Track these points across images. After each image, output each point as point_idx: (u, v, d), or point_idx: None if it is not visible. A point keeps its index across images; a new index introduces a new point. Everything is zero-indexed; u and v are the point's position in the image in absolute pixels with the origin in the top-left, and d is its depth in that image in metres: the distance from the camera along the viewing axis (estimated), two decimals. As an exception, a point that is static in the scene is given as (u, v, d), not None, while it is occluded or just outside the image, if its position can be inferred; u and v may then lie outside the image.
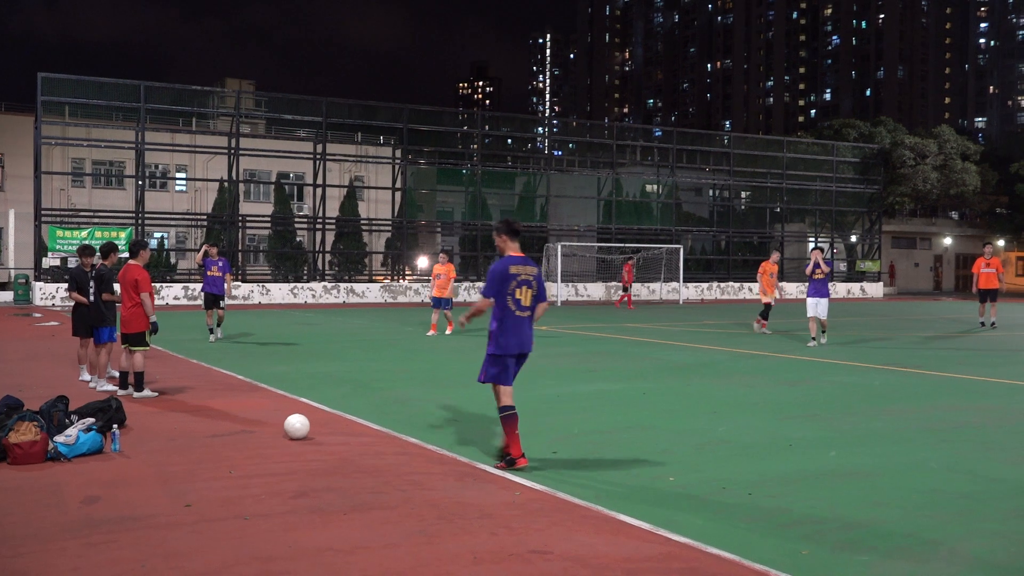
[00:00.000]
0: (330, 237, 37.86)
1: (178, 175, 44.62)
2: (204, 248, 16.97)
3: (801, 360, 14.64)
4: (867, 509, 5.84)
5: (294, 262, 37.21)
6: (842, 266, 48.97)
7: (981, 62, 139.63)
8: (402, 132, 37.67)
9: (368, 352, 15.81)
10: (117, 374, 10.96)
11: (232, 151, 34.70)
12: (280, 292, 33.51)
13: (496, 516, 5.52)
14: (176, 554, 4.78)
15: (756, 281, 42.55)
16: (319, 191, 36.25)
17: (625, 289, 31.93)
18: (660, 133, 58.73)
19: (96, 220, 33.94)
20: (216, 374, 12.32)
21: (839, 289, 45.06)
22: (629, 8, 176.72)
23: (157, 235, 40.81)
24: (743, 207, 48.14)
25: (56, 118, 33.71)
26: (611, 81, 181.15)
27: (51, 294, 29.85)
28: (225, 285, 16.63)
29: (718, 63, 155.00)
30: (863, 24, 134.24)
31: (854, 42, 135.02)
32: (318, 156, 36.03)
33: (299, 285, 34.22)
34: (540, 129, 66.24)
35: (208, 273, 16.59)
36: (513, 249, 7.16)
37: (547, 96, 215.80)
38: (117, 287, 10.66)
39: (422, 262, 40.62)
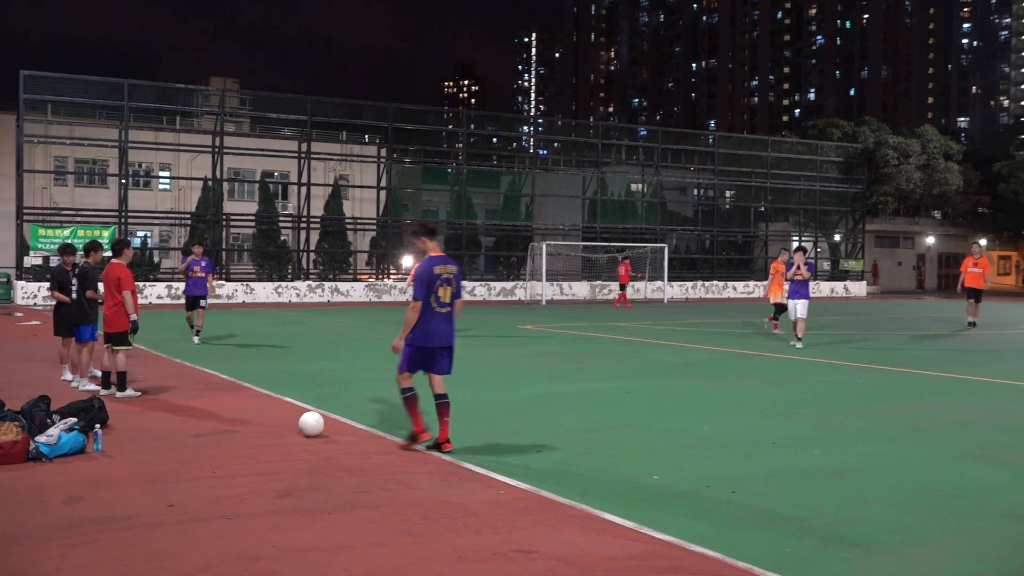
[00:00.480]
0: (315, 236, 37.76)
1: (162, 174, 44.36)
2: (188, 260, 16.75)
3: (787, 359, 14.74)
4: (851, 507, 5.88)
5: (278, 261, 37.11)
6: (826, 265, 49.29)
7: (964, 62, 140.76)
8: (387, 131, 37.67)
9: (352, 351, 15.82)
10: (100, 373, 10.90)
11: (216, 150, 34.57)
12: (264, 291, 33.41)
13: (481, 515, 5.53)
14: (160, 554, 4.76)
15: (741, 280, 43.10)
16: (304, 190, 36.16)
17: (623, 287, 32.09)
18: (645, 132, 58.96)
19: (79, 219, 33.72)
20: (199, 373, 12.27)
21: (822, 288, 45.35)
22: (615, 8, 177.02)
23: (140, 234, 40.55)
24: (727, 206, 48.38)
25: (39, 116, 33.45)
26: (596, 80, 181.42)
27: (33, 293, 29.65)
28: (208, 284, 16.48)
29: (703, 63, 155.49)
30: (847, 24, 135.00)
31: (838, 42, 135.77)
32: (303, 155, 35.93)
33: (283, 284, 34.13)
34: (525, 128, 66.35)
35: (191, 274, 16.36)
36: (433, 249, 7.45)
37: (532, 95, 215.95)
38: (101, 286, 10.59)
39: (407, 261, 40.57)
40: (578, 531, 5.25)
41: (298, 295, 33.84)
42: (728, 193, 48.81)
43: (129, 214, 33.34)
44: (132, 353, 10.46)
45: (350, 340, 17.95)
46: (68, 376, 11.28)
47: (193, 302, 16.42)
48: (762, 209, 46.85)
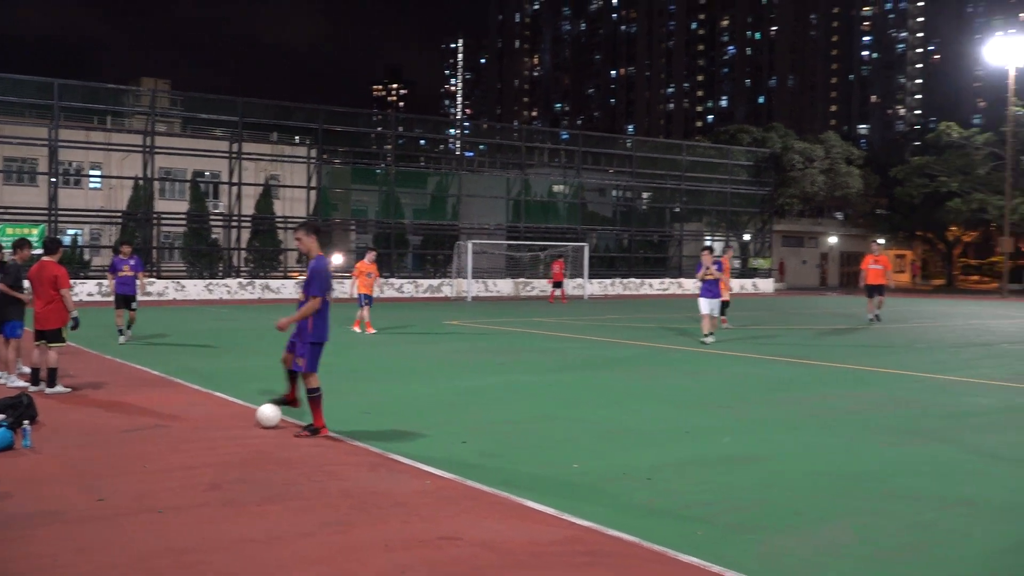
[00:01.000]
0: (245, 234, 38.22)
1: (93, 172, 44.21)
2: (114, 260, 16.31)
3: (700, 353, 15.19)
4: (758, 491, 6.14)
5: (209, 259, 37.43)
6: (736, 263, 51.73)
7: (865, 73, 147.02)
8: (317, 132, 38.40)
9: (282, 347, 16.27)
10: (28, 370, 10.66)
11: (147, 149, 34.90)
12: (195, 288, 33.79)
13: (408, 504, 5.63)
14: (89, 548, 4.71)
15: (657, 278, 45.12)
16: (235, 189, 36.73)
17: (557, 285, 33.58)
18: (567, 136, 60.74)
19: (7, 217, 33.66)
20: (130, 369, 12.12)
21: (732, 285, 47.58)
22: (538, 16, 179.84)
23: (71, 232, 40.40)
24: (644, 207, 50.21)
25: (-35, 114, 33.32)
26: (521, 85, 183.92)
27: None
28: (137, 282, 15.98)
29: (622, 70, 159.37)
30: (757, 35, 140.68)
31: (748, 52, 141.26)
32: (234, 155, 36.47)
33: (214, 281, 34.53)
34: (452, 131, 67.54)
35: (119, 273, 15.74)
36: (319, 248, 7.83)
37: (459, 99, 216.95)
38: (27, 284, 10.38)
39: (337, 259, 41.43)
40: (501, 518, 5.36)
41: (229, 292, 34.30)
42: (645, 194, 50.68)
43: (59, 212, 33.46)
44: (62, 350, 10.27)
45: (280, 336, 18.49)
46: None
47: (122, 301, 15.82)
48: (677, 210, 48.83)
